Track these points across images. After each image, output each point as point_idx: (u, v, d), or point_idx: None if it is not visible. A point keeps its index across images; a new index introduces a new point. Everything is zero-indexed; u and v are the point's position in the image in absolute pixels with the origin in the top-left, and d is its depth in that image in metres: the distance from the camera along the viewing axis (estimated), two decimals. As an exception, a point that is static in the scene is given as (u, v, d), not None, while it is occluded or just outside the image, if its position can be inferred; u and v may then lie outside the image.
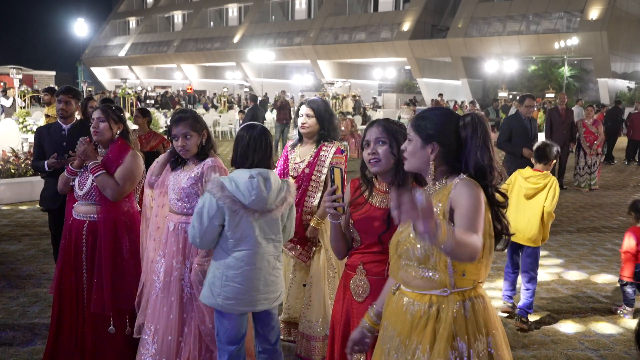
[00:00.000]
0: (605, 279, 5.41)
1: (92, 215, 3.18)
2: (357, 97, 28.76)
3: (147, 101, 26.96)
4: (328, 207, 2.11)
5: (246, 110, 13.14)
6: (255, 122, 2.83)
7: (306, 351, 3.46)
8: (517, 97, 10.60)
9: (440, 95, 22.21)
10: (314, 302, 3.42)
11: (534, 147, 4.53)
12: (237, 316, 2.69)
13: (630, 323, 4.36)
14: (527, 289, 4.26)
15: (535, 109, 7.16)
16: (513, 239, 3.95)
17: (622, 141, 16.39)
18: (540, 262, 5.90)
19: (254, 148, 2.65)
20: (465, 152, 1.86)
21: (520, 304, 4.29)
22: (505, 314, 4.47)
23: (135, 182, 3.22)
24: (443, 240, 1.50)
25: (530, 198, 4.21)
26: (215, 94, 35.48)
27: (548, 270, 5.63)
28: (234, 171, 2.67)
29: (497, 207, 1.89)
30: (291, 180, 2.90)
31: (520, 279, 4.42)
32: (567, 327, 4.29)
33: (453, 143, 1.88)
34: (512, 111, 16.07)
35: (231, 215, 2.57)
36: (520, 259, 4.39)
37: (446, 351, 1.76)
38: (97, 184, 3.10)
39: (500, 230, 1.89)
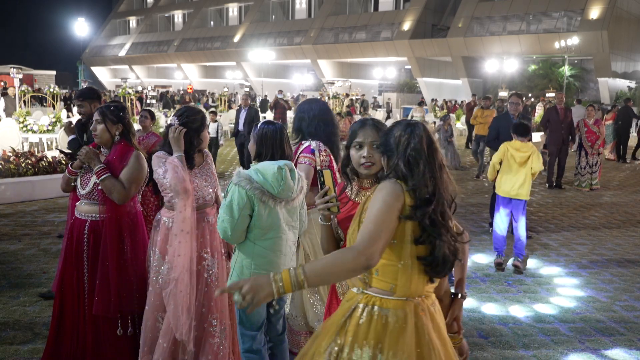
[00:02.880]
0: (605, 278, 5.41)
1: (94, 215, 3.17)
2: (362, 97, 28.82)
3: (149, 101, 26.93)
4: (322, 209, 2.12)
5: (242, 112, 10.85)
6: (272, 120, 2.94)
7: (290, 344, 3.49)
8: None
9: (474, 96, 21.63)
10: (295, 298, 3.49)
11: (514, 125, 5.73)
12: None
13: (631, 323, 4.37)
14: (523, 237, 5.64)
15: (521, 107, 7.12)
16: (508, 195, 5.45)
17: (633, 140, 16.48)
18: (540, 261, 5.91)
19: (273, 142, 2.80)
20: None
21: (516, 250, 5.67)
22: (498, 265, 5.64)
23: (140, 184, 3.20)
24: None
25: (523, 164, 5.53)
26: (214, 93, 35.45)
27: (548, 270, 5.63)
28: (258, 164, 2.77)
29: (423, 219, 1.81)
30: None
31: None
32: (568, 326, 4.29)
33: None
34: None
35: (260, 206, 2.67)
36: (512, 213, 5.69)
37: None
38: (102, 187, 3.08)
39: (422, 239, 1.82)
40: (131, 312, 3.17)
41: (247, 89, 42.83)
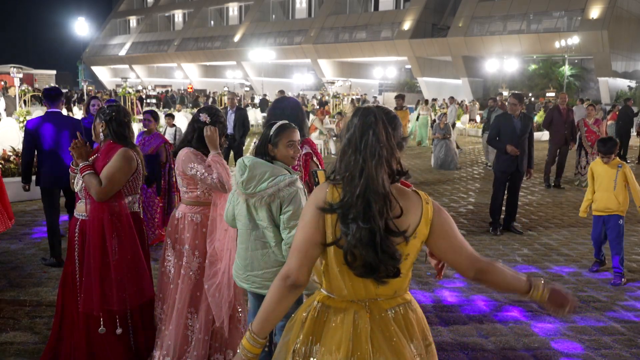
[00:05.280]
0: (606, 277, 5.40)
1: (82, 214, 3.19)
2: (364, 96, 28.85)
3: (148, 100, 26.92)
4: None
5: (230, 114, 9.86)
6: (275, 121, 2.86)
7: None
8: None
9: (505, 94, 21.44)
10: None
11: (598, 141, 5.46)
12: (253, 293, 2.88)
13: (631, 323, 4.37)
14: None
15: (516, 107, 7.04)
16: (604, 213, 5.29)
17: (635, 140, 16.46)
18: (541, 260, 5.91)
19: (260, 140, 2.81)
20: None
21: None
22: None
23: (120, 182, 3.15)
24: None
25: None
26: (214, 92, 35.45)
27: (548, 269, 5.63)
28: None
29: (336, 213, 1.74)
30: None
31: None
32: (568, 326, 4.28)
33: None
34: (450, 110, 16.22)
35: (234, 194, 2.80)
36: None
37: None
38: (84, 183, 3.10)
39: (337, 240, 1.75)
40: (119, 311, 3.16)
41: (247, 89, 42.82)
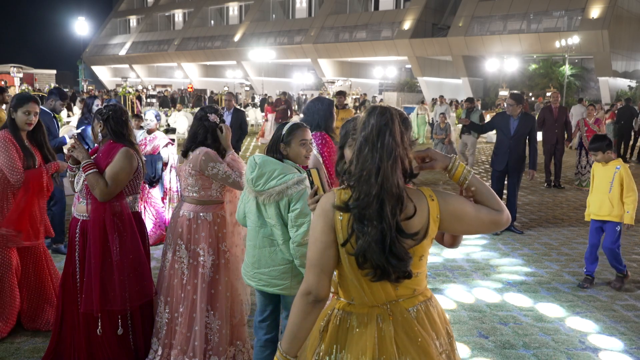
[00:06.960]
0: (606, 277, 5.40)
1: (84, 215, 3.18)
2: (363, 96, 28.90)
3: (149, 100, 26.94)
4: (313, 209, 2.10)
5: (227, 115, 8.87)
6: (287, 122, 2.88)
7: None
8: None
9: (504, 94, 21.14)
10: None
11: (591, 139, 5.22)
12: (260, 290, 2.90)
13: (631, 322, 4.37)
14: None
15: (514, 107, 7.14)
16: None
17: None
18: (541, 260, 5.91)
19: (272, 139, 2.83)
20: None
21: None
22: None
23: (124, 182, 3.15)
24: None
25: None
26: (213, 92, 35.44)
27: (549, 269, 5.63)
28: None
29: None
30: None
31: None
32: (568, 325, 4.29)
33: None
34: (441, 109, 16.09)
35: (245, 192, 2.85)
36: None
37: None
38: (87, 182, 3.09)
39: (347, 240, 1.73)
40: (121, 311, 3.16)
41: (247, 88, 42.81)
